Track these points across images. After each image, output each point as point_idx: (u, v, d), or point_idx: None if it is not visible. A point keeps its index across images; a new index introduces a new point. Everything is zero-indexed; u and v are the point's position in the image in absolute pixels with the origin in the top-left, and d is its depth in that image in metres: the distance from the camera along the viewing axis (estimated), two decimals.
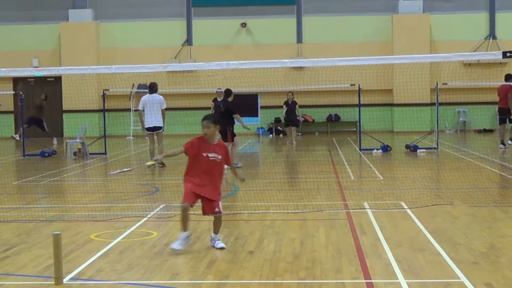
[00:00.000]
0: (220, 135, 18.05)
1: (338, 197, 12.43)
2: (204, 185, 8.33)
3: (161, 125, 18.15)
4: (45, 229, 9.75)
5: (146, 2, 33.38)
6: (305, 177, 15.72)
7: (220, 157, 8.40)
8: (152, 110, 17.97)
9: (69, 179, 16.87)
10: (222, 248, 8.34)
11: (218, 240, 8.47)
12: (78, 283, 7.07)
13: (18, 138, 26.52)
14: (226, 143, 17.71)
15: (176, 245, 8.19)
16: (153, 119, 18.02)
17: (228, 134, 17.62)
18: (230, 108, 18.01)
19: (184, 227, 8.29)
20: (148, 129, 18.14)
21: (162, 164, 17.52)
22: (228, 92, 18.51)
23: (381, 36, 32.41)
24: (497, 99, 22.99)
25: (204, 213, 8.51)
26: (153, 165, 8.19)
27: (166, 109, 18.62)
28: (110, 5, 33.47)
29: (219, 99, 26.18)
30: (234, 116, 18.00)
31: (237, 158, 18.08)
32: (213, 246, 8.42)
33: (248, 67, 13.66)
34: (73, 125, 28.97)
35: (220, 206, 8.47)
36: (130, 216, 10.83)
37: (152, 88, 18.25)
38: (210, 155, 8.33)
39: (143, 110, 18.12)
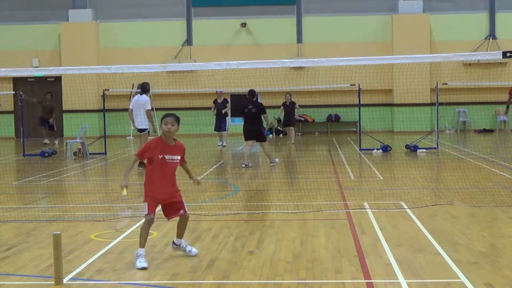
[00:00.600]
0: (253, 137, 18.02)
1: (338, 197, 12.42)
2: (163, 188, 7.79)
3: (144, 127, 17.78)
4: (45, 229, 9.75)
5: (146, 2, 33.40)
6: (305, 177, 15.71)
7: (178, 158, 7.87)
8: (138, 111, 17.67)
9: (69, 179, 16.87)
10: (195, 254, 7.98)
11: (187, 245, 8.04)
12: (78, 283, 7.07)
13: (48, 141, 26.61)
14: (263, 143, 17.81)
15: (142, 264, 7.49)
16: (138, 121, 17.79)
17: (263, 134, 18.04)
18: (261, 108, 18.06)
19: (144, 243, 7.66)
20: (136, 130, 18.09)
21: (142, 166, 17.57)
22: (252, 92, 18.29)
23: (381, 36, 32.42)
24: (498, 99, 22.97)
25: (167, 215, 7.97)
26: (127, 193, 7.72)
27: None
28: (110, 5, 33.48)
29: (219, 101, 26.15)
30: (264, 116, 18.04)
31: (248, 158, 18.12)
32: (185, 252, 8.01)
33: (248, 67, 13.64)
34: (73, 125, 28.99)
35: (185, 207, 7.97)
36: (130, 216, 10.83)
37: (143, 89, 17.93)
38: (167, 157, 7.77)
39: (132, 110, 17.90)
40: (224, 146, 25.28)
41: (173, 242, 8.13)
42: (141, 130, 17.86)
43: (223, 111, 25.69)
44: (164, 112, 8.25)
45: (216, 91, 26.40)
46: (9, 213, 11.31)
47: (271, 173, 16.68)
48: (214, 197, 13.06)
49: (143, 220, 7.80)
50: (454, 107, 32.10)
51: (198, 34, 33.26)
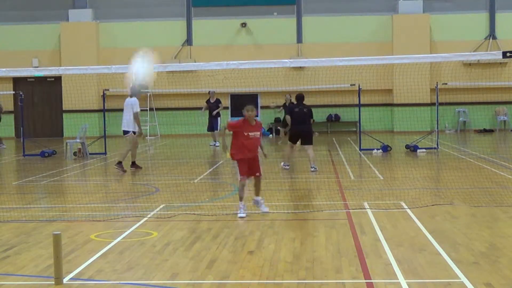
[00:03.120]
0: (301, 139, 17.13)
1: (338, 197, 12.43)
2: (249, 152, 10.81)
3: (128, 129, 17.21)
4: (45, 229, 9.75)
5: (146, 2, 33.40)
6: (305, 177, 15.72)
7: (258, 133, 10.82)
8: (125, 113, 17.22)
9: (69, 179, 16.87)
10: (266, 212, 10.68)
11: (262, 204, 10.86)
12: (78, 283, 7.07)
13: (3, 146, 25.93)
14: (308, 146, 16.89)
15: (241, 214, 10.53)
16: (123, 122, 17.33)
17: (312, 136, 17.30)
18: (311, 110, 17.27)
19: (242, 197, 10.71)
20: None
21: (122, 169, 17.05)
22: (300, 97, 17.26)
23: (381, 36, 32.42)
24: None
25: (253, 175, 10.96)
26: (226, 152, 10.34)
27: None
28: (110, 5, 33.48)
29: (211, 101, 26.01)
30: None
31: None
32: (259, 208, 10.80)
33: (248, 67, 13.65)
34: (73, 125, 28.99)
35: (261, 170, 10.97)
36: (130, 216, 10.83)
37: (133, 91, 17.35)
38: (250, 133, 10.70)
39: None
40: (217, 146, 24.97)
41: (254, 199, 10.93)
42: (124, 132, 17.31)
43: (214, 112, 25.29)
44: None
45: (209, 91, 26.18)
46: (9, 213, 11.31)
47: (271, 173, 16.67)
48: (214, 197, 13.06)
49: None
50: (454, 107, 32.09)
51: (198, 34, 33.25)
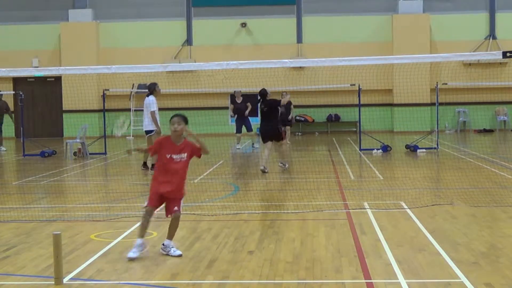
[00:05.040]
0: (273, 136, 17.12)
1: (338, 197, 12.43)
2: (167, 184, 8.06)
3: (148, 129, 17.00)
4: (45, 229, 9.75)
5: (146, 2, 33.41)
6: (305, 177, 15.71)
7: (185, 155, 8.15)
8: (144, 113, 17.09)
9: (69, 179, 16.87)
10: (179, 256, 7.96)
11: (173, 247, 8.07)
12: (78, 283, 7.07)
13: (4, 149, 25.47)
14: (281, 142, 17.00)
15: (131, 254, 7.80)
16: (144, 122, 17.22)
17: (280, 133, 17.09)
18: (272, 103, 17.02)
19: (142, 233, 7.97)
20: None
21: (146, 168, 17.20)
22: (261, 92, 17.26)
23: (381, 36, 32.44)
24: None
25: (167, 213, 8.20)
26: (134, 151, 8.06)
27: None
28: (110, 5, 33.49)
29: (238, 101, 25.50)
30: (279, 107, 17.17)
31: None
32: (167, 254, 8.02)
33: (248, 67, 13.65)
34: (73, 125, 28.99)
35: (180, 206, 8.17)
36: (130, 216, 10.82)
37: (149, 90, 17.25)
38: (174, 156, 8.10)
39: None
40: (238, 148, 24.15)
41: (163, 244, 8.18)
42: (146, 132, 17.21)
43: (246, 112, 24.26)
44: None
45: (235, 91, 25.30)
46: (9, 213, 11.31)
47: (271, 173, 16.67)
48: (214, 197, 13.06)
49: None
50: (454, 107, 32.11)
51: (198, 34, 33.26)
